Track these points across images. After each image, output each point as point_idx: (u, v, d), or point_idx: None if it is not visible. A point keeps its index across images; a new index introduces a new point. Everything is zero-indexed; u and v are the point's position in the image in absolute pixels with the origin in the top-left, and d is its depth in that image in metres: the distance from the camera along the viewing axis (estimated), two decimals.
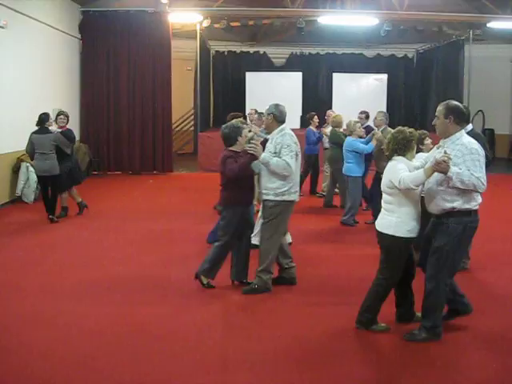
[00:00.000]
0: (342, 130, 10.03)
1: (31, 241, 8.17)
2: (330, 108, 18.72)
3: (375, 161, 8.78)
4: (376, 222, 5.00)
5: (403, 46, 19.65)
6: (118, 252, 7.61)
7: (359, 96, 18.83)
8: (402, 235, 4.73)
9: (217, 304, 5.69)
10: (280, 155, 5.73)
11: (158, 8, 14.49)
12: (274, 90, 18.79)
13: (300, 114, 18.09)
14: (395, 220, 4.75)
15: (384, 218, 4.88)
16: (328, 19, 15.06)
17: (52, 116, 9.40)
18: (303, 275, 6.34)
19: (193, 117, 18.73)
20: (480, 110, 18.66)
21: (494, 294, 6.11)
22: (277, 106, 5.97)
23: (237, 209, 5.94)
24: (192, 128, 18.75)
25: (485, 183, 4.54)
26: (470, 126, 6.47)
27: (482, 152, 4.64)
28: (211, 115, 19.83)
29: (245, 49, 20.00)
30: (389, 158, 4.92)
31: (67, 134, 9.29)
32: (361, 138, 9.05)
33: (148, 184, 13.89)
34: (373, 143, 8.64)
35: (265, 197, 5.90)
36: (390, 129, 8.83)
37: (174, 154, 17.41)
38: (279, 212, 5.86)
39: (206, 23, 15.13)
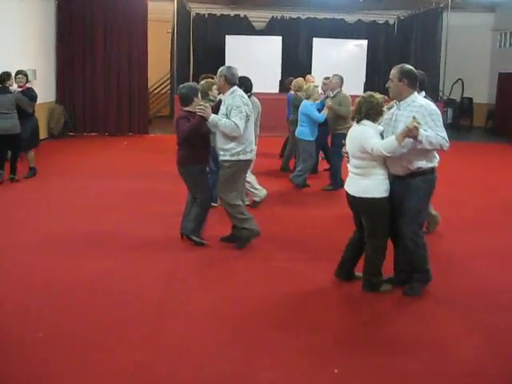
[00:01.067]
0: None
1: None
2: (310, 73, 18.91)
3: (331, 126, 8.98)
4: (347, 188, 5.07)
5: (385, 13, 19.63)
6: (79, 209, 7.80)
7: (339, 61, 18.79)
8: (380, 195, 4.87)
9: (170, 261, 5.91)
10: (229, 116, 5.88)
11: None
12: (253, 54, 18.80)
13: (279, 78, 18.14)
14: (370, 183, 4.88)
15: (357, 183, 4.97)
16: None
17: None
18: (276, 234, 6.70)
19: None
20: (459, 79, 18.78)
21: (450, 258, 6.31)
22: (229, 68, 6.14)
23: (194, 167, 6.11)
24: (169, 91, 18.77)
25: (448, 141, 4.73)
26: (422, 94, 6.60)
27: (439, 112, 4.84)
28: (190, 78, 19.77)
29: (225, 12, 19.88)
30: (357, 122, 4.95)
31: (28, 93, 9.37)
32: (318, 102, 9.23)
33: (122, 145, 14.01)
34: (324, 112, 8.81)
35: (222, 157, 6.11)
36: (344, 93, 8.99)
37: (152, 117, 17.50)
38: (235, 171, 6.07)
39: None
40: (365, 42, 19.36)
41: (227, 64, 18.53)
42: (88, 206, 8.04)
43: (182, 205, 6.47)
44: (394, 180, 4.99)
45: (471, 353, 4.13)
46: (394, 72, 4.88)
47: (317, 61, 18.94)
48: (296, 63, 19.42)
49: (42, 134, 14.12)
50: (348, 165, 5.08)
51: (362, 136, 4.83)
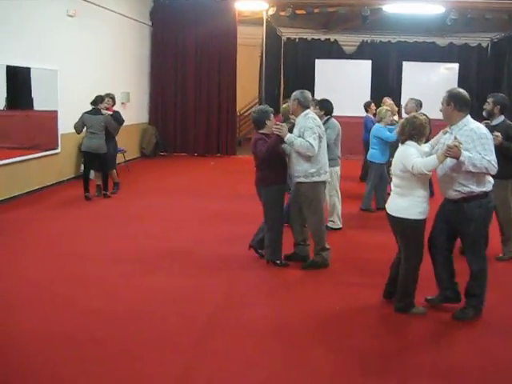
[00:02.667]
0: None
1: (82, 213, 8.95)
2: (399, 97, 18.83)
3: None
4: (387, 206, 5.13)
5: (478, 35, 19.25)
6: (155, 227, 8.15)
7: (429, 85, 18.62)
8: (414, 217, 4.87)
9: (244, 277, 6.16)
10: (303, 137, 6.04)
11: None
12: (343, 78, 18.99)
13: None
14: (407, 203, 4.89)
15: (395, 202, 5.01)
16: (393, 8, 15.05)
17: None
18: (347, 258, 6.80)
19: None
20: None
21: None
22: (302, 92, 6.28)
23: (271, 188, 6.24)
24: None
25: (496, 165, 4.72)
26: (501, 117, 6.54)
27: (490, 136, 4.83)
28: (280, 102, 20.14)
29: (316, 36, 20.17)
30: (402, 143, 5.02)
31: (115, 116, 9.95)
32: (391, 125, 9.21)
33: (209, 165, 14.48)
34: (396, 132, 8.77)
35: (296, 179, 6.26)
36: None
37: (241, 139, 17.98)
38: (314, 194, 6.21)
39: (271, 11, 15.50)
40: (456, 66, 19.10)
41: (317, 87, 19.15)
42: (165, 222, 8.41)
43: (257, 225, 6.63)
44: (447, 203, 5.00)
45: None
46: (444, 96, 4.92)
47: (406, 84, 18.84)
48: (386, 87, 19.37)
49: (135, 154, 14.94)
50: (391, 184, 5.15)
51: (403, 155, 4.88)
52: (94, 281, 5.88)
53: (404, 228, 4.96)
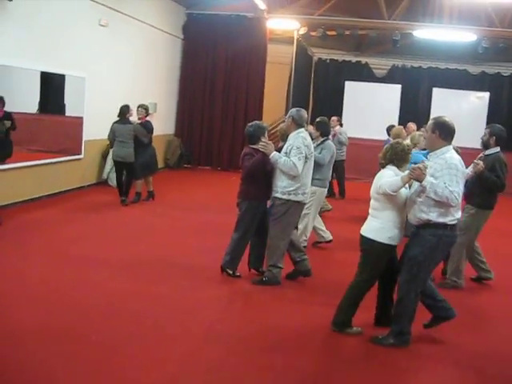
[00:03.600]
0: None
1: (97, 218, 9.12)
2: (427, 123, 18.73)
3: None
4: (362, 227, 5.11)
5: (510, 64, 19.07)
6: (167, 237, 8.27)
7: (459, 113, 18.51)
8: (382, 241, 4.86)
9: (222, 289, 6.21)
10: (289, 155, 6.06)
11: (256, 13, 15.17)
12: (372, 101, 19.04)
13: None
14: (378, 225, 4.90)
15: (368, 223, 5.04)
16: (423, 33, 15.05)
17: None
18: (322, 277, 6.73)
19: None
20: None
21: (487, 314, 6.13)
22: (298, 110, 6.32)
23: (251, 203, 6.32)
24: None
25: (459, 198, 4.65)
26: (496, 149, 6.57)
27: (461, 168, 4.74)
28: (308, 121, 20.21)
29: (347, 58, 20.20)
30: (383, 167, 5.04)
31: (145, 125, 10.12)
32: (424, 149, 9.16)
33: (230, 180, 14.54)
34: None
35: (273, 194, 6.27)
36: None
37: None
38: (286, 210, 6.18)
39: (302, 30, 15.62)
40: (487, 94, 19.00)
41: (345, 109, 19.15)
42: (175, 233, 8.54)
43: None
44: (412, 230, 5.01)
45: None
46: (429, 123, 4.92)
47: (436, 111, 18.72)
48: (415, 112, 19.26)
49: (159, 164, 15.04)
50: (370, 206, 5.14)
51: (379, 177, 4.92)
52: (92, 283, 6.01)
53: (370, 249, 4.94)
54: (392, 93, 19.43)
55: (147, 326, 5.01)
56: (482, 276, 7.00)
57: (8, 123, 8.89)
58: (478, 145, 6.83)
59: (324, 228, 8.22)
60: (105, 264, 6.68)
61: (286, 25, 15.54)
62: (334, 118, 12.16)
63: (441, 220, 4.72)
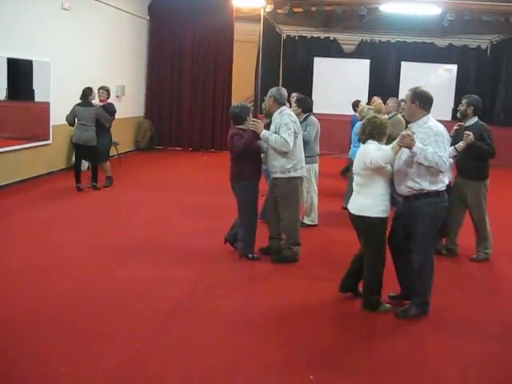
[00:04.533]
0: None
1: (68, 203, 9.11)
2: (397, 97, 18.86)
3: None
4: (349, 205, 5.16)
5: (477, 37, 19.25)
6: (137, 218, 8.28)
7: (427, 86, 18.42)
8: (377, 215, 4.94)
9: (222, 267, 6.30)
10: (279, 133, 6.12)
11: None
12: (341, 76, 19.11)
13: (367, 101, 18.23)
14: (369, 202, 4.96)
15: (357, 201, 5.07)
16: (389, 7, 15.11)
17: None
18: (318, 253, 6.88)
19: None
20: None
21: (493, 286, 6.21)
22: (278, 89, 6.42)
23: (247, 183, 6.33)
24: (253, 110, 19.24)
25: (447, 163, 4.78)
26: (474, 119, 6.65)
27: (446, 135, 4.89)
28: None
29: (315, 34, 20.20)
30: (363, 142, 5.09)
31: (107, 108, 10.04)
32: None
33: (202, 160, 14.59)
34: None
35: (273, 175, 6.38)
36: (399, 116, 8.97)
37: None
38: (290, 189, 6.31)
39: (269, 8, 15.57)
40: (454, 67, 19.24)
41: (315, 85, 19.18)
42: (149, 215, 8.54)
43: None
44: (402, 201, 5.09)
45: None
46: (407, 94, 4.98)
47: (404, 84, 18.81)
48: (383, 86, 19.36)
49: (129, 147, 15.06)
50: (353, 183, 5.20)
51: (364, 153, 4.96)
52: (66, 268, 6.04)
53: (367, 226, 5.01)
54: (361, 68, 19.54)
55: (121, 307, 5.08)
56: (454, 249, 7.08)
57: None
58: (447, 117, 6.96)
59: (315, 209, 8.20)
60: (75, 248, 6.69)
61: (251, 3, 15.44)
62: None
63: (433, 188, 4.85)
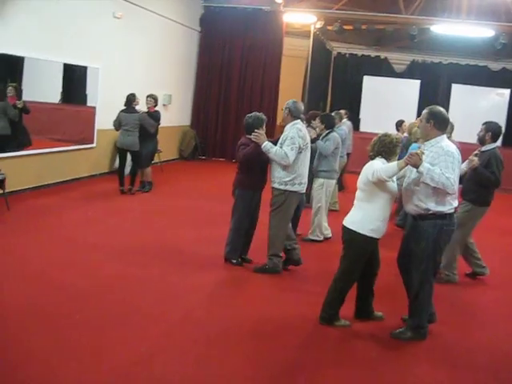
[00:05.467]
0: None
1: (102, 205, 9.35)
2: None
3: None
4: (345, 218, 5.11)
5: None
6: (170, 225, 8.42)
7: (478, 110, 18.43)
8: (365, 233, 4.85)
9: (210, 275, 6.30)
10: (283, 145, 6.17)
11: (273, 7, 15.26)
12: (390, 96, 18.98)
13: None
14: (361, 217, 4.90)
15: (351, 214, 5.04)
16: (441, 28, 14.95)
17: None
18: (316, 268, 6.85)
19: None
20: None
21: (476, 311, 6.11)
22: (294, 102, 6.44)
23: (245, 192, 6.46)
24: None
25: (454, 184, 4.68)
26: (493, 145, 6.57)
27: (457, 157, 4.80)
28: None
29: (366, 52, 20.15)
30: (371, 159, 5.02)
31: (153, 115, 10.28)
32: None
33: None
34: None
35: (272, 184, 6.41)
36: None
37: None
38: (284, 200, 6.31)
39: (319, 24, 15.64)
40: (507, 91, 18.82)
41: (363, 104, 19.10)
42: (181, 222, 8.68)
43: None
44: (409, 221, 5.05)
45: None
46: (424, 112, 4.93)
47: (454, 107, 18.63)
48: None
49: (173, 155, 15.30)
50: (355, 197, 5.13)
51: (368, 168, 4.90)
52: (85, 266, 6.22)
53: (351, 240, 4.95)
54: (411, 88, 19.40)
55: (131, 307, 5.18)
56: (476, 272, 7.00)
57: (21, 103, 9.04)
58: (498, 143, 6.83)
59: (326, 224, 8.26)
60: (102, 248, 6.87)
61: (302, 18, 15.56)
62: (342, 111, 12.18)
63: (439, 209, 4.77)
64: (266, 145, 6.16)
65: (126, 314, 5.03)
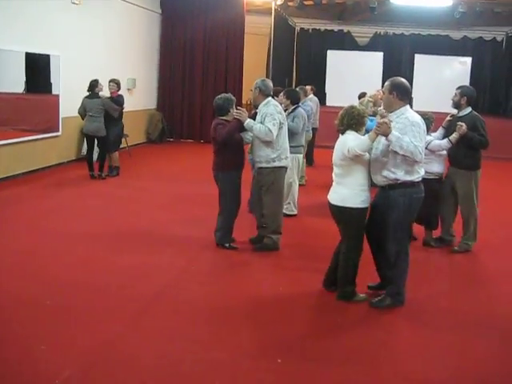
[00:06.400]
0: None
1: (73, 192, 9.35)
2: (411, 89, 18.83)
3: None
4: (329, 196, 5.18)
5: (493, 29, 19.06)
6: (135, 208, 8.45)
7: (441, 79, 18.72)
8: (357, 206, 4.96)
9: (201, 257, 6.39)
10: (264, 123, 6.22)
11: None
12: (354, 69, 19.09)
13: None
14: (348, 192, 4.99)
15: (337, 192, 5.09)
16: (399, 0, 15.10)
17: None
18: (298, 243, 6.97)
19: None
20: None
21: (475, 277, 6.24)
22: (263, 80, 6.51)
23: (230, 173, 6.42)
24: None
25: (422, 153, 4.79)
26: (468, 109, 6.66)
27: (423, 126, 4.89)
28: None
29: (329, 27, 20.22)
30: (342, 133, 5.08)
31: (116, 99, 10.27)
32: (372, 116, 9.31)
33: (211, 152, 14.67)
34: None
35: (258, 165, 6.46)
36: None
37: None
38: (274, 178, 6.41)
39: (280, 1, 15.65)
40: (469, 60, 19.10)
41: (328, 78, 19.18)
42: (146, 204, 8.73)
43: None
44: (378, 191, 5.14)
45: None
46: (386, 84, 5.01)
47: (418, 77, 18.88)
48: None
49: (140, 139, 15.28)
50: (333, 174, 5.21)
51: (342, 143, 4.97)
52: (61, 254, 6.23)
53: (346, 217, 5.04)
54: (374, 61, 19.54)
55: (112, 292, 5.26)
56: (444, 238, 7.13)
57: None
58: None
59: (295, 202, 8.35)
60: (71, 236, 6.89)
61: None
62: (308, 87, 12.28)
63: (408, 178, 4.88)
64: (249, 122, 6.18)
65: (104, 298, 5.11)
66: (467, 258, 6.70)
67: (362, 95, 12.00)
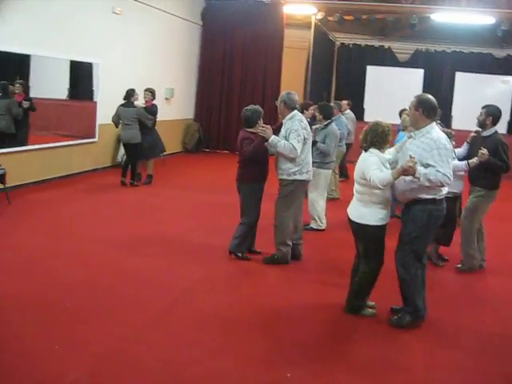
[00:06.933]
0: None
1: (103, 198, 9.55)
2: (450, 107, 18.62)
3: None
4: (349, 211, 5.13)
5: None
6: (163, 216, 8.57)
7: (482, 98, 18.31)
8: (376, 223, 4.92)
9: (221, 267, 6.42)
10: (288, 139, 6.20)
11: None
12: (393, 86, 18.94)
13: None
14: (367, 210, 4.93)
15: (356, 208, 5.05)
16: (441, 16, 14.95)
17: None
18: (319, 257, 6.97)
19: None
20: None
21: (490, 298, 6.12)
22: (288, 93, 6.43)
23: (253, 185, 6.45)
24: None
25: (451, 178, 4.71)
26: (493, 129, 6.54)
27: (449, 147, 4.80)
28: None
29: (370, 43, 20.14)
30: (364, 150, 5.02)
31: (149, 109, 10.44)
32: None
33: None
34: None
35: (279, 176, 6.46)
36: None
37: None
38: (292, 190, 6.39)
39: (319, 15, 15.69)
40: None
41: (367, 94, 19.09)
42: (175, 213, 8.84)
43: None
44: (403, 208, 5.09)
45: None
46: (412, 100, 4.92)
47: (459, 96, 18.67)
48: (437, 97, 18.67)
49: (177, 148, 15.45)
50: (354, 188, 5.16)
51: (364, 163, 4.91)
52: (81, 258, 6.37)
53: (366, 233, 5.00)
54: (415, 77, 19.31)
55: (128, 297, 5.33)
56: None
57: (27, 103, 9.36)
58: (502, 129, 6.78)
59: (323, 215, 8.29)
60: (100, 240, 7.03)
61: (302, 10, 15.60)
62: (344, 102, 12.26)
63: (430, 196, 4.81)
64: (274, 139, 6.15)
65: (116, 302, 5.19)
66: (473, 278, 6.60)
67: (402, 111, 11.87)
